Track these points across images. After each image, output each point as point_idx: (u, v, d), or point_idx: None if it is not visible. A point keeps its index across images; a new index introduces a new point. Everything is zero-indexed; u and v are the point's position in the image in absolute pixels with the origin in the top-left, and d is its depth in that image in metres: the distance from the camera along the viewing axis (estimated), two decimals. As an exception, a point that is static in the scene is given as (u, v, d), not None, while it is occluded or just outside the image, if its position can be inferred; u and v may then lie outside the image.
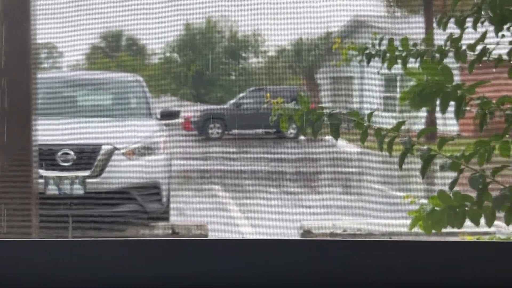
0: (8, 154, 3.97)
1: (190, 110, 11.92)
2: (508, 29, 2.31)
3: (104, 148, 4.83)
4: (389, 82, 11.09)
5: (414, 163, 2.36)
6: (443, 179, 2.48)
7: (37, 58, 4.55)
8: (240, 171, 8.40)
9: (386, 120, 8.89)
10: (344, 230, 5.21)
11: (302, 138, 11.34)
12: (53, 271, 1.32)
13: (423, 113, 8.69)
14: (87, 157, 4.82)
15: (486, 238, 2.82)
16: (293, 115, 2.43)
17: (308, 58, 12.56)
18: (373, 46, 2.50)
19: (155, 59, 14.38)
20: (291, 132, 10.76)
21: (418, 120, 9.27)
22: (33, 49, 3.98)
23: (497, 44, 2.31)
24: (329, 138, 2.50)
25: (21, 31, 3.88)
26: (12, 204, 3.98)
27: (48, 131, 4.89)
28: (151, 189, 4.95)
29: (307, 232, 5.18)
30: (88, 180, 4.74)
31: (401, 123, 2.21)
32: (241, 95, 12.03)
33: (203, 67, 13.95)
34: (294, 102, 2.52)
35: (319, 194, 7.08)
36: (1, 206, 3.94)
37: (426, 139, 3.70)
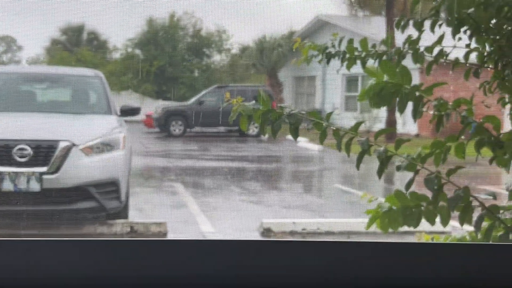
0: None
1: (152, 107, 11.82)
2: (465, 32, 2.35)
3: (62, 144, 4.75)
4: (351, 82, 11.20)
5: (375, 162, 2.38)
6: (403, 179, 2.50)
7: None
8: (201, 169, 8.38)
9: (347, 120, 8.98)
10: (304, 229, 5.25)
11: (264, 136, 11.34)
12: (7, 272, 1.29)
13: (383, 113, 8.80)
14: (44, 153, 4.73)
15: (442, 238, 2.86)
16: (253, 115, 2.43)
17: (271, 56, 12.60)
18: (333, 46, 2.52)
19: (116, 55, 14.20)
20: (253, 130, 10.77)
21: (378, 120, 9.39)
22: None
23: (454, 47, 2.35)
24: (290, 137, 2.51)
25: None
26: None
27: (5, 126, 4.79)
28: (110, 186, 4.89)
29: (267, 230, 5.19)
30: (45, 177, 4.66)
31: (359, 124, 2.22)
32: (203, 92, 11.98)
33: (166, 63, 13.85)
34: (254, 102, 2.52)
35: (280, 193, 7.11)
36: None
37: (386, 139, 3.74)
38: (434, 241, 2.68)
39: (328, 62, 2.55)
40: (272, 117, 2.40)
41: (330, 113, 2.30)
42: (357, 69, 2.57)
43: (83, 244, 1.33)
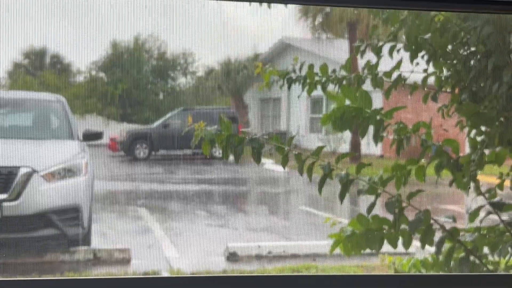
0: None
1: (116, 130, 11.69)
2: (422, 57, 2.39)
3: (22, 171, 4.66)
4: (316, 104, 11.27)
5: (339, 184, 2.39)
6: (368, 199, 2.52)
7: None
8: (166, 192, 8.30)
9: (312, 142, 9.02)
10: (269, 252, 5.22)
11: (230, 158, 11.31)
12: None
13: (348, 134, 8.88)
14: (3, 179, 4.63)
15: (405, 259, 2.89)
16: (215, 139, 2.43)
17: (237, 79, 12.64)
18: (294, 71, 2.54)
19: (80, 78, 14.06)
20: (219, 153, 10.73)
21: (343, 141, 9.46)
22: None
23: (412, 71, 2.39)
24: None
25: None
26: None
27: (-37, 152, 4.68)
28: (72, 213, 4.81)
29: (232, 254, 5.15)
30: (5, 204, 4.55)
31: (320, 148, 2.24)
32: (168, 115, 11.91)
33: (131, 86, 13.75)
34: (216, 126, 2.51)
35: (246, 215, 7.08)
36: None
37: (351, 160, 3.78)
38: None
39: (289, 87, 2.57)
40: (235, 142, 2.40)
41: (291, 138, 2.32)
42: (321, 90, 2.60)
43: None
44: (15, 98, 6.41)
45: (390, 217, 2.34)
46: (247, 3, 2.27)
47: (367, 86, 2.45)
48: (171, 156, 11.53)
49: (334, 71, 2.45)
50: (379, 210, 2.44)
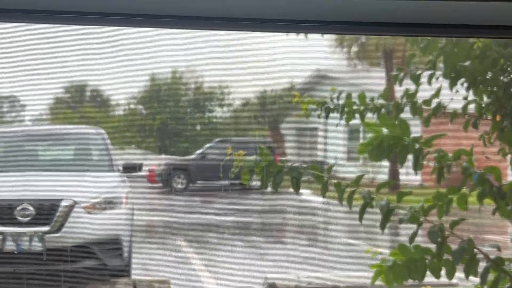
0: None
1: (155, 162, 11.83)
2: (462, 84, 2.38)
3: (64, 203, 4.74)
4: (353, 133, 11.23)
5: (379, 213, 2.36)
6: (408, 229, 2.49)
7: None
8: (204, 224, 8.32)
9: (350, 171, 8.95)
10: (309, 283, 5.16)
11: (268, 189, 11.30)
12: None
13: (386, 163, 8.79)
14: (46, 212, 4.71)
15: (448, 290, 2.82)
16: (254, 168, 2.43)
17: (273, 109, 12.70)
18: (332, 100, 2.54)
19: (119, 111, 14.33)
20: (257, 183, 10.75)
21: (381, 170, 9.37)
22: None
23: (452, 99, 2.38)
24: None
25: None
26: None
27: (8, 185, 4.79)
28: (112, 244, 4.85)
29: (271, 286, 5.11)
30: (47, 236, 4.63)
31: (360, 177, 2.22)
32: (206, 146, 12.02)
33: (168, 118, 13.95)
34: (255, 155, 2.52)
35: (284, 246, 7.04)
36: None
37: (389, 189, 3.73)
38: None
39: (327, 116, 2.57)
40: (274, 171, 2.40)
41: (331, 166, 2.31)
42: (358, 119, 2.59)
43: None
44: (56, 132, 6.56)
45: (433, 246, 2.29)
46: (283, 34, 2.29)
47: (406, 114, 2.44)
48: (209, 187, 11.59)
49: (372, 99, 2.45)
50: (421, 240, 2.40)
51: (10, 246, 4.57)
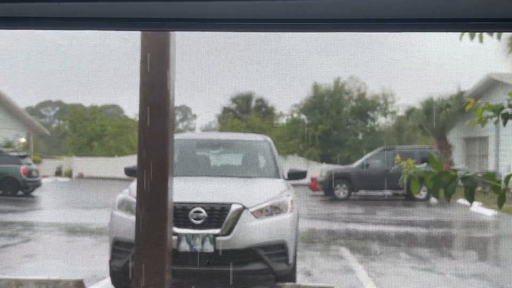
0: (147, 204, 4.21)
1: (317, 170, 11.94)
2: None
3: (234, 207, 4.94)
4: (528, 142, 10.48)
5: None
6: None
7: (174, 120, 4.84)
8: (367, 233, 8.22)
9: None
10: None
11: (433, 200, 10.93)
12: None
13: None
14: (217, 215, 4.94)
15: None
16: (425, 177, 2.38)
17: (439, 118, 12.25)
18: (510, 106, 2.41)
19: (282, 120, 14.68)
20: (421, 194, 10.41)
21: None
22: (171, 112, 4.25)
23: None
24: (462, 201, 2.41)
25: (162, 96, 4.17)
26: (149, 260, 4.17)
27: (182, 189, 5.10)
28: (278, 249, 4.95)
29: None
30: (218, 238, 4.84)
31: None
32: (368, 155, 11.89)
33: (330, 127, 14.02)
34: (425, 164, 2.46)
35: (453, 260, 6.74)
36: (141, 263, 4.15)
37: None
38: None
39: (504, 123, 2.44)
40: (446, 180, 2.33)
41: (510, 176, 2.19)
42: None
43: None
44: (227, 139, 6.87)
45: None
46: (451, 39, 2.23)
47: None
48: (371, 197, 11.44)
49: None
50: None
51: (184, 246, 4.85)
